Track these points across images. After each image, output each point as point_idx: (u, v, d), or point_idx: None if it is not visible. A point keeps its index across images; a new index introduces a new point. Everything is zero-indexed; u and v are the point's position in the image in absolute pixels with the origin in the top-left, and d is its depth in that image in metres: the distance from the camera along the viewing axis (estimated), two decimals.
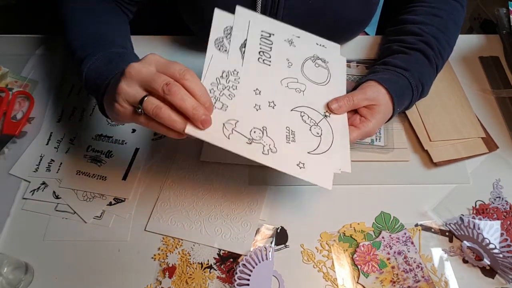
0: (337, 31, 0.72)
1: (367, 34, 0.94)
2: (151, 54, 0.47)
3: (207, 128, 0.45)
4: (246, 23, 0.57)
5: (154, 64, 0.46)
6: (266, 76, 0.54)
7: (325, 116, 0.55)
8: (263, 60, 0.55)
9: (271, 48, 0.57)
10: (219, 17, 0.55)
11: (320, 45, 0.62)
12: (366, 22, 0.74)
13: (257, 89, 0.52)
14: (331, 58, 0.62)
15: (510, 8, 0.81)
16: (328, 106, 0.56)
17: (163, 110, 0.44)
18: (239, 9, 0.57)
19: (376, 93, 0.58)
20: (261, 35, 0.57)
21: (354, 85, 0.64)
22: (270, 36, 0.58)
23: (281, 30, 0.60)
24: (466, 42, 0.79)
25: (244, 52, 0.54)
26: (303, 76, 0.57)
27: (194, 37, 0.79)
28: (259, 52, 0.55)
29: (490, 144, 0.65)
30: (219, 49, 0.53)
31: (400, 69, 0.61)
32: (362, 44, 0.79)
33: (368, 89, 0.58)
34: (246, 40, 0.55)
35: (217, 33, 0.54)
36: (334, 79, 0.60)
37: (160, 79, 0.44)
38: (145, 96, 0.44)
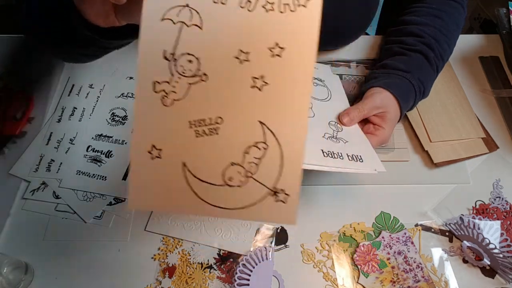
0: (337, 35, 0.72)
1: (367, 34, 0.94)
2: None
3: None
4: None
5: None
6: None
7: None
8: None
9: None
10: None
11: None
12: (366, 26, 0.74)
13: None
14: (325, 76, 0.64)
15: (510, 8, 0.81)
16: (339, 120, 0.57)
17: None
18: None
19: (385, 100, 0.58)
20: None
21: (356, 92, 0.64)
22: None
23: None
24: (466, 42, 0.79)
25: None
26: None
27: None
28: None
29: (490, 144, 0.65)
30: None
31: (401, 71, 0.62)
32: (362, 44, 0.79)
33: (376, 97, 0.58)
34: None
35: None
36: (335, 94, 0.62)
37: None
38: None
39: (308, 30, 0.30)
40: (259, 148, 0.30)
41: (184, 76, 0.30)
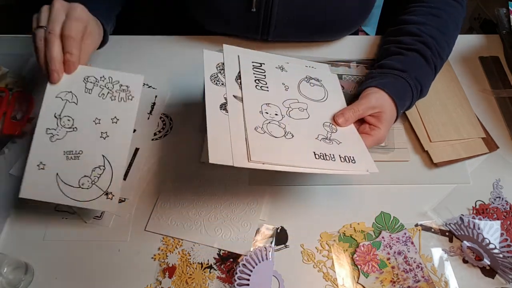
0: (334, 25, 0.72)
1: (367, 34, 0.94)
2: (80, 9, 0.55)
3: (53, 81, 0.53)
4: (235, 57, 0.59)
5: (72, 15, 0.54)
6: (267, 100, 0.56)
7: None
8: (261, 87, 0.57)
9: (265, 75, 0.59)
10: (209, 56, 0.58)
11: (310, 66, 0.65)
12: (364, 16, 0.75)
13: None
14: (323, 76, 0.64)
15: (510, 8, 0.81)
16: (334, 121, 0.57)
17: (40, 42, 0.54)
18: (226, 47, 0.60)
19: (380, 100, 0.58)
20: (253, 65, 0.60)
21: (355, 93, 0.64)
22: (261, 66, 0.60)
23: (270, 59, 0.63)
24: (466, 42, 0.79)
25: (240, 83, 0.56)
26: (302, 96, 0.59)
27: (196, 37, 0.79)
28: (255, 80, 0.57)
29: (491, 144, 0.65)
30: (216, 83, 0.55)
31: (397, 71, 0.62)
32: (362, 44, 0.79)
33: (371, 97, 0.58)
34: (239, 72, 0.58)
35: (210, 71, 0.56)
36: (332, 94, 0.62)
37: (53, 25, 0.53)
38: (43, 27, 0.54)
39: (131, 110, 0.55)
40: (100, 169, 0.52)
41: (64, 127, 0.53)
